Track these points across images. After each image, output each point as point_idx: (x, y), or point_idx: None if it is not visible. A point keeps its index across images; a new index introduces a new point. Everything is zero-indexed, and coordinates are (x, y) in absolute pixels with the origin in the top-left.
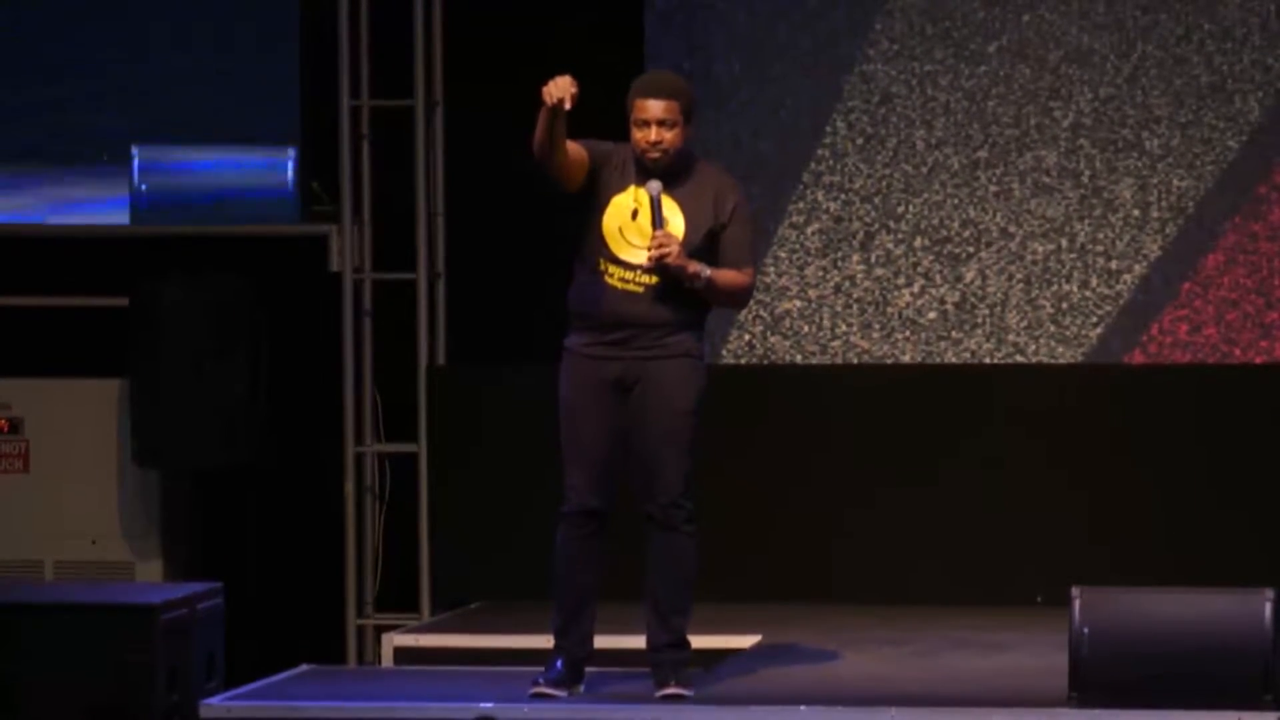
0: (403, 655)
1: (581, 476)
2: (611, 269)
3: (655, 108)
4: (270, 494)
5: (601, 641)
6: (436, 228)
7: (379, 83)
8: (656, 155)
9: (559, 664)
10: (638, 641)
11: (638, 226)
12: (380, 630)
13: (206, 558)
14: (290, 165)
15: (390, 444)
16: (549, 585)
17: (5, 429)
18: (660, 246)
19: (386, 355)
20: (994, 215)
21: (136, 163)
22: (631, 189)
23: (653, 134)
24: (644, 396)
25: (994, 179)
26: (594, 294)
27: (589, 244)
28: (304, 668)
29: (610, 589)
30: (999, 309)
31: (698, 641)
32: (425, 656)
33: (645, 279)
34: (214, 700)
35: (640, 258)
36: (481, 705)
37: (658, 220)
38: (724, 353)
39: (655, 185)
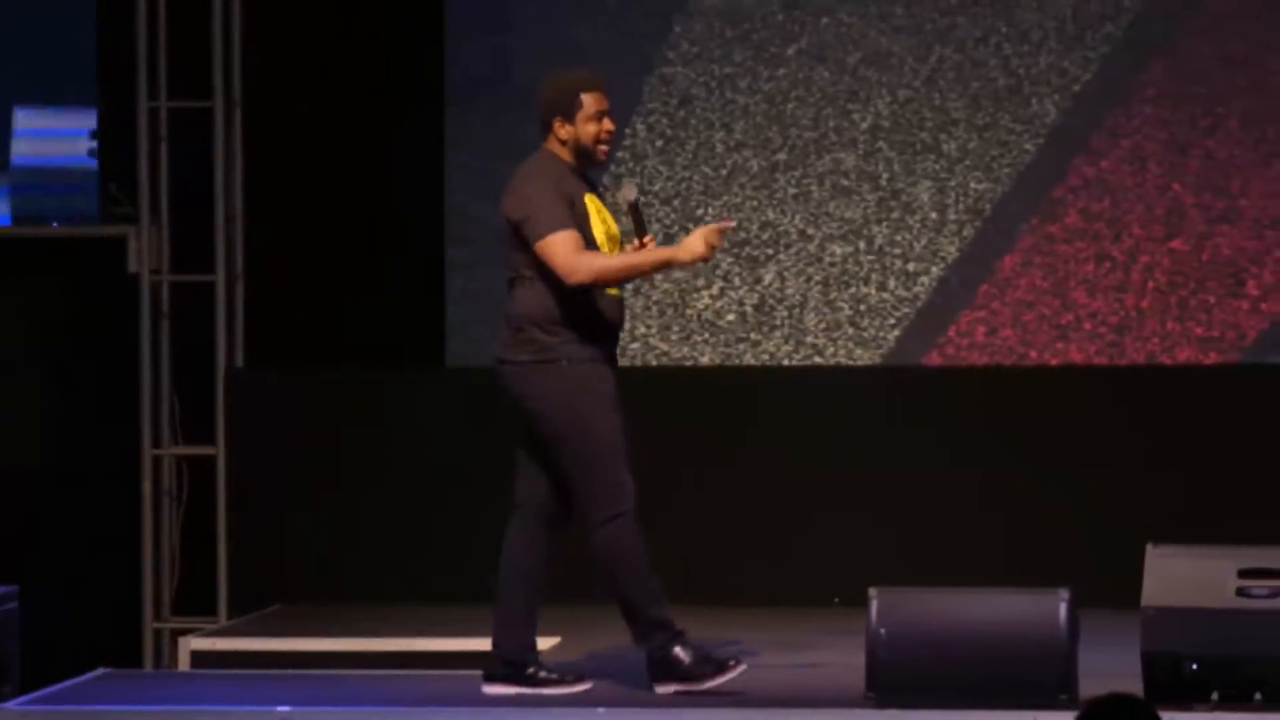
0: (200, 659)
1: (626, 473)
2: None
3: (605, 99)
4: (67, 496)
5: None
6: (235, 229)
7: (177, 84)
8: (608, 147)
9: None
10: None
11: (608, 230)
12: (177, 634)
13: (1, 560)
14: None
15: (188, 446)
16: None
17: None
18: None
19: (185, 357)
20: (793, 217)
21: None
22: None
23: (609, 124)
24: (616, 397)
25: (793, 181)
26: (600, 306)
27: None
28: (101, 671)
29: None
30: (798, 311)
31: None
32: (223, 660)
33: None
34: (9, 705)
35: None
36: (279, 709)
37: (643, 222)
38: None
39: (634, 188)
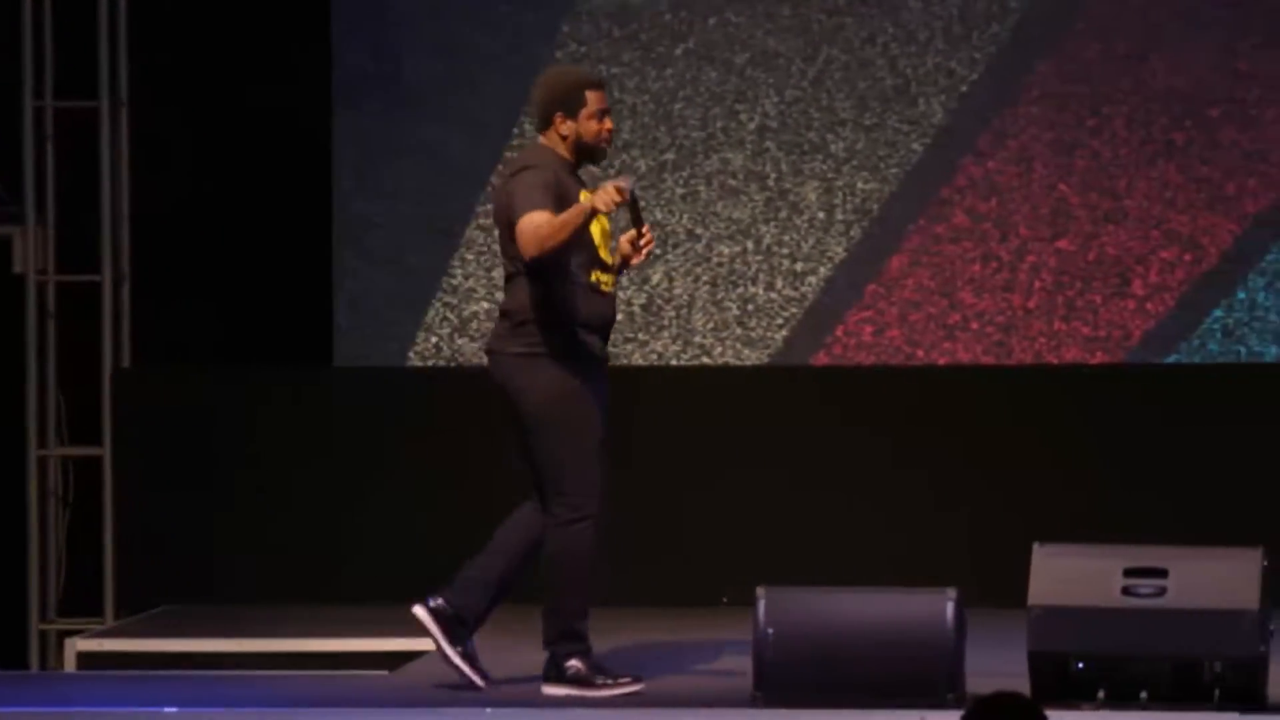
0: (87, 660)
1: (595, 477)
2: (602, 276)
3: (606, 98)
4: None
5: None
6: (122, 229)
7: (63, 84)
8: (608, 144)
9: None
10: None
11: (602, 226)
12: (63, 635)
13: None
14: None
15: (74, 447)
16: (546, 589)
17: None
18: (651, 240)
19: (71, 358)
20: (681, 217)
21: None
22: (608, 189)
23: (609, 122)
24: (605, 396)
25: (681, 181)
26: (595, 303)
27: (579, 256)
28: None
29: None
30: (685, 311)
31: (388, 644)
32: (109, 661)
33: (611, 277)
34: None
35: (609, 258)
36: (166, 710)
37: (639, 214)
38: (411, 355)
39: (632, 179)
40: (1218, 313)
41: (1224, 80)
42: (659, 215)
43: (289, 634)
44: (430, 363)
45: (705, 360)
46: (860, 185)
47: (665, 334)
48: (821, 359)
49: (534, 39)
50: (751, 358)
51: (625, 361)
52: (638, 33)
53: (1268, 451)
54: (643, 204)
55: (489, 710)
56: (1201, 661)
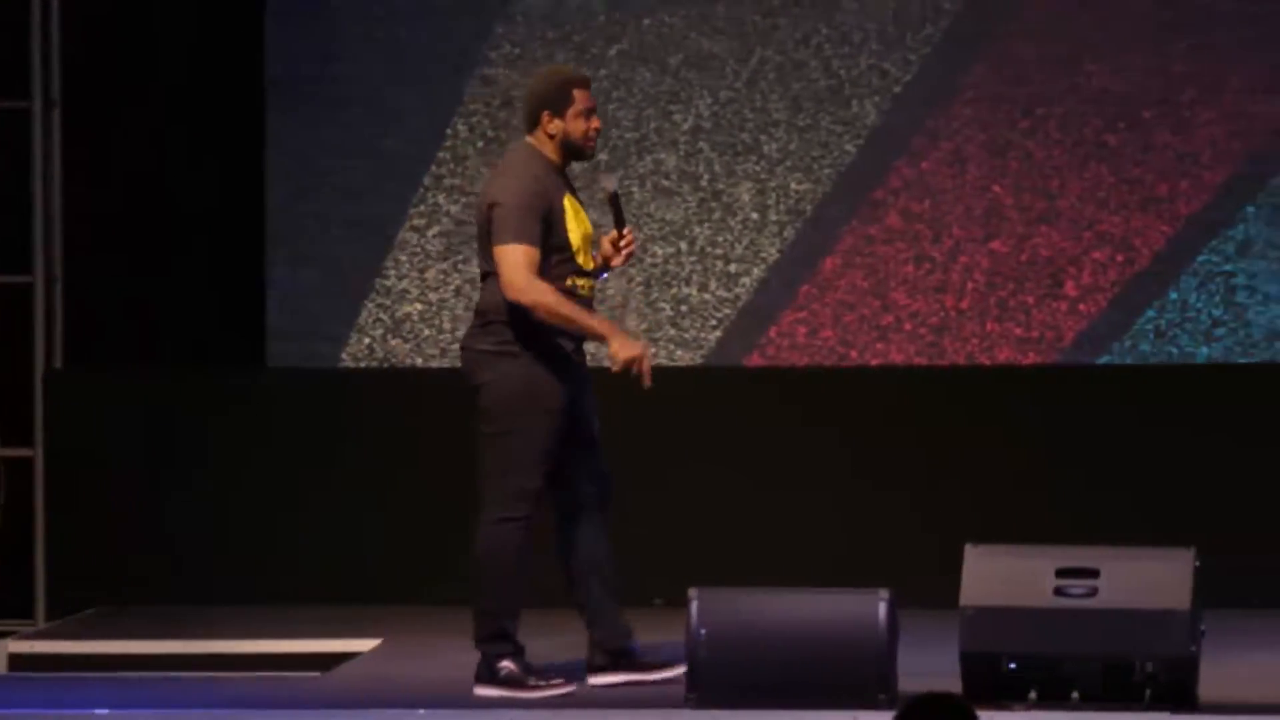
0: (18, 662)
1: (540, 481)
2: (579, 281)
3: (593, 98)
4: None
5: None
6: (54, 230)
7: None
8: (595, 143)
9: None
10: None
11: (584, 230)
12: None
13: None
14: None
15: (6, 448)
16: (486, 587)
17: None
18: (632, 242)
19: (2, 358)
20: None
21: None
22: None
23: (596, 121)
24: (585, 396)
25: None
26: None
27: (557, 264)
28: None
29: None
30: (619, 312)
31: (318, 645)
32: (41, 663)
33: (589, 282)
34: None
35: (589, 263)
36: (98, 712)
37: (622, 215)
38: (344, 356)
39: (614, 179)
40: (1150, 313)
41: (1157, 82)
42: (591, 216)
43: (222, 635)
44: (363, 363)
45: None
46: (794, 186)
47: None
48: (755, 360)
49: (468, 39)
50: (685, 358)
51: None
52: (571, 34)
53: (1199, 452)
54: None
55: (421, 712)
56: (1133, 661)
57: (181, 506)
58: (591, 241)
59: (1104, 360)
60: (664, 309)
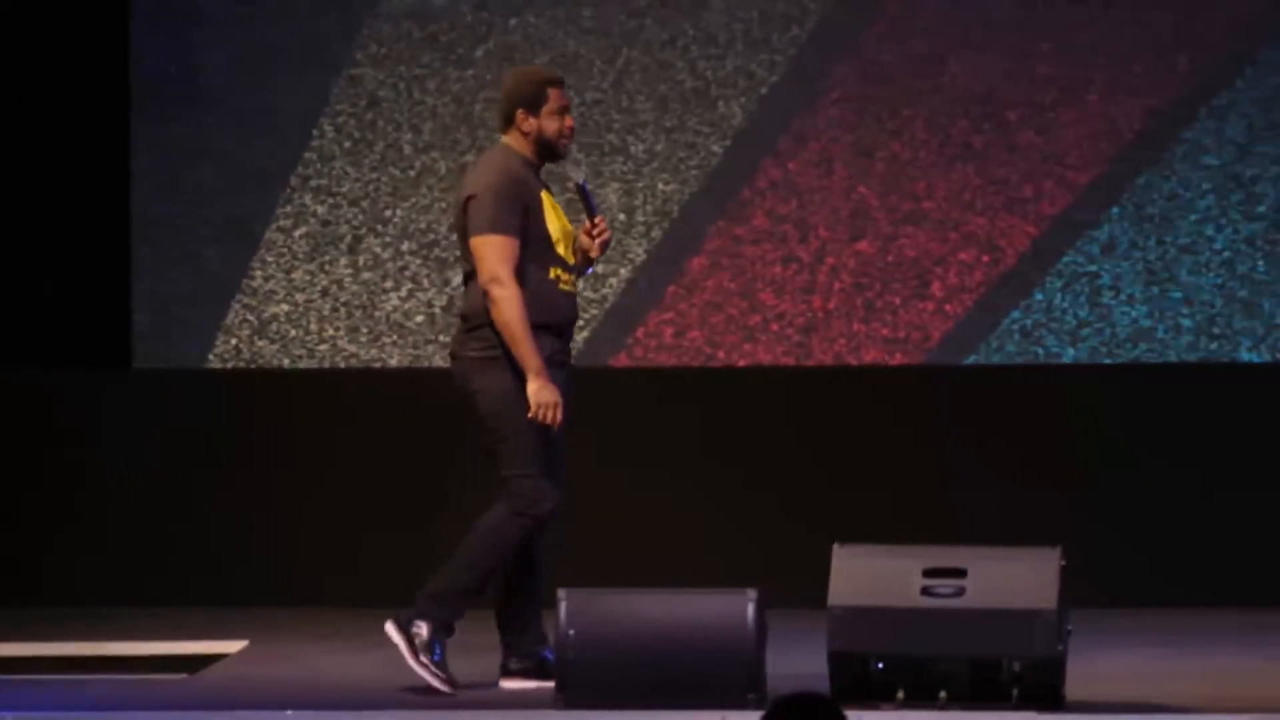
0: None
1: (546, 478)
2: (561, 274)
3: (567, 97)
4: None
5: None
6: None
7: None
8: (569, 141)
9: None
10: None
11: (563, 226)
12: None
13: None
14: None
15: None
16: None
17: None
18: (605, 230)
19: None
20: None
21: None
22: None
23: (570, 120)
24: (565, 398)
25: None
26: (553, 301)
27: (538, 255)
28: None
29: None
30: None
31: (184, 647)
32: None
33: (572, 277)
34: None
35: (570, 257)
36: None
37: (592, 205)
38: (211, 357)
39: (579, 173)
40: (1015, 314)
41: (1021, 83)
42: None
43: (88, 637)
44: (230, 364)
45: None
46: (661, 187)
47: None
48: (622, 360)
49: (334, 40)
50: None
51: (426, 364)
52: (438, 34)
53: (1065, 451)
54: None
55: (289, 713)
56: (1000, 661)
57: (47, 508)
58: (572, 237)
59: (970, 361)
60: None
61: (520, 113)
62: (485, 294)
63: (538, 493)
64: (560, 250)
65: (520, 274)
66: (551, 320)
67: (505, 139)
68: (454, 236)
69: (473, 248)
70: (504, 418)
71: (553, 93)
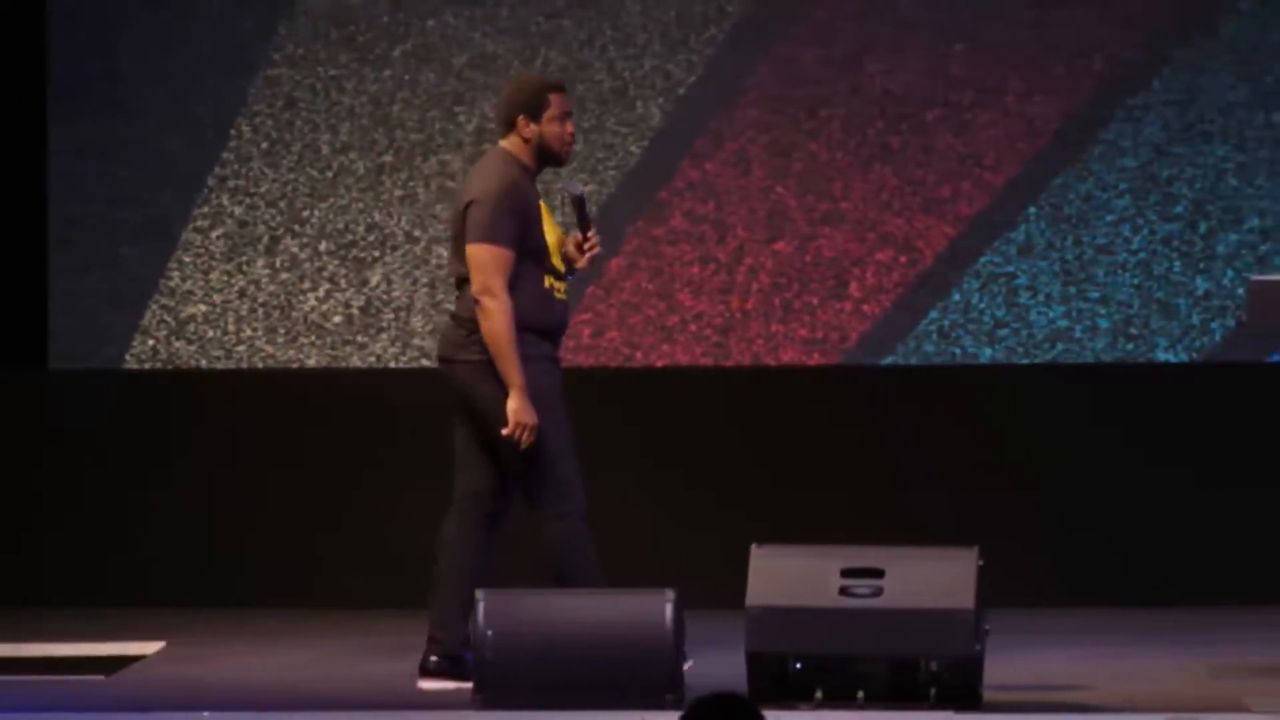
0: None
1: (571, 473)
2: (556, 283)
3: (569, 103)
4: None
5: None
6: None
7: None
8: (570, 148)
9: None
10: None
11: (557, 236)
12: None
13: None
14: None
15: None
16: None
17: None
18: (597, 245)
19: None
20: (399, 220)
21: None
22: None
23: (570, 126)
24: (564, 394)
25: (399, 183)
26: (549, 307)
27: (536, 263)
28: None
29: None
30: (404, 313)
31: (101, 649)
32: None
33: (564, 285)
34: None
35: (561, 266)
36: None
37: (586, 219)
38: (128, 358)
39: (577, 186)
40: (933, 314)
41: (939, 84)
42: (377, 218)
43: (3, 639)
44: (147, 365)
45: (424, 363)
46: (580, 187)
47: (384, 336)
48: None
49: (251, 40)
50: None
51: (344, 364)
52: (355, 34)
53: (983, 451)
54: (592, 210)
55: (206, 714)
56: (918, 661)
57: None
58: (564, 245)
59: (888, 361)
60: (449, 310)
61: (521, 118)
62: (477, 301)
63: (564, 485)
64: (555, 261)
65: (519, 281)
66: (549, 326)
67: (504, 144)
68: (370, 237)
69: (468, 255)
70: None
71: (554, 98)
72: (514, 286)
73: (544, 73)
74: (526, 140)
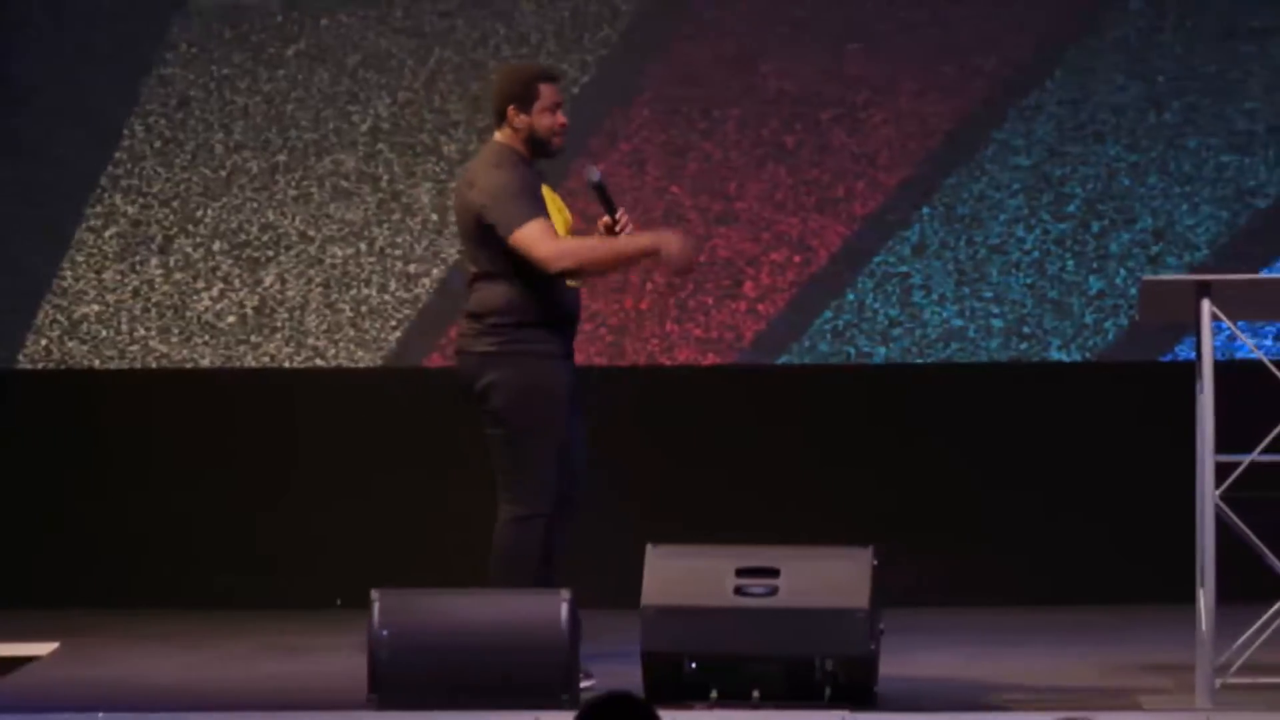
0: None
1: (554, 476)
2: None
3: (560, 94)
4: None
5: None
6: None
7: None
8: (563, 139)
9: None
10: None
11: (565, 219)
12: None
13: None
14: None
15: None
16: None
17: None
18: (628, 222)
19: None
20: (293, 219)
21: None
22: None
23: (562, 117)
24: (576, 394)
25: (293, 183)
26: (559, 297)
27: None
28: None
29: None
30: (298, 313)
31: None
32: None
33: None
34: None
35: None
36: None
37: (610, 201)
38: (20, 358)
39: (594, 171)
40: (827, 314)
41: (833, 84)
42: (270, 217)
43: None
44: (40, 365)
45: (319, 363)
46: None
47: (278, 336)
48: (435, 360)
49: (144, 38)
50: (365, 359)
51: (238, 364)
52: (249, 34)
53: (876, 451)
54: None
55: (100, 715)
56: (813, 660)
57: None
58: (573, 233)
59: (783, 360)
60: (344, 310)
61: (512, 109)
62: (562, 273)
63: (540, 490)
64: None
65: (528, 270)
66: (559, 317)
67: (498, 135)
68: (264, 237)
69: (514, 246)
70: (520, 410)
71: (545, 89)
72: (524, 274)
73: (536, 62)
74: (517, 130)
